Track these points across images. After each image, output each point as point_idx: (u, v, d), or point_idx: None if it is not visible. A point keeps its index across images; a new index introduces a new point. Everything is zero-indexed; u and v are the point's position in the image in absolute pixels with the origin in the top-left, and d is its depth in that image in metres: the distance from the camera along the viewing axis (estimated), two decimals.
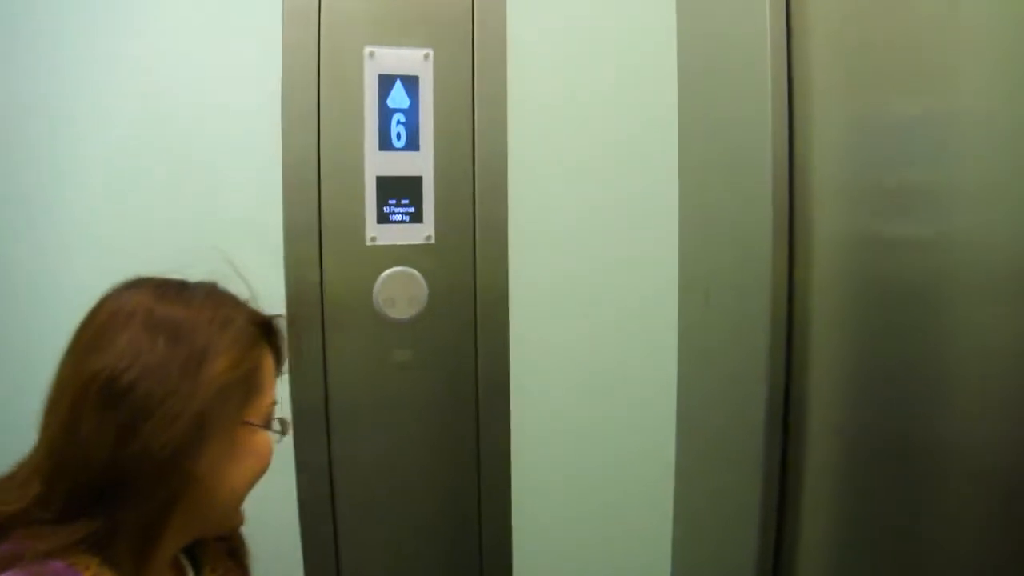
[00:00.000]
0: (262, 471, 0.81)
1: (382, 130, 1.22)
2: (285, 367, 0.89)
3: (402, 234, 1.25)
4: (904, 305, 1.13)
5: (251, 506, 0.83)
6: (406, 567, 1.35)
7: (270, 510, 1.28)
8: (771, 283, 1.21)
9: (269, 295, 1.21)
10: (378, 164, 1.23)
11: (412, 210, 1.25)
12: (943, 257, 1.09)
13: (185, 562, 0.84)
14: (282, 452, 1.23)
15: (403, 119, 1.23)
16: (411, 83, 1.24)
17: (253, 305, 0.84)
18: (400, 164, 1.24)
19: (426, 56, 1.24)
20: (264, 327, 0.83)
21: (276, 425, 0.85)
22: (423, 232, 1.26)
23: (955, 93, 1.07)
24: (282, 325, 0.86)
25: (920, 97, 1.12)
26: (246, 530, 0.90)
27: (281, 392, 1.20)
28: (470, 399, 1.33)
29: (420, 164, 1.25)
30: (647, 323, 1.41)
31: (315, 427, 1.24)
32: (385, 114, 1.23)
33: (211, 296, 0.79)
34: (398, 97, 1.23)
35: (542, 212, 1.35)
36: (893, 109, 1.15)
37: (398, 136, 1.23)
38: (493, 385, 1.34)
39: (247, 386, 0.78)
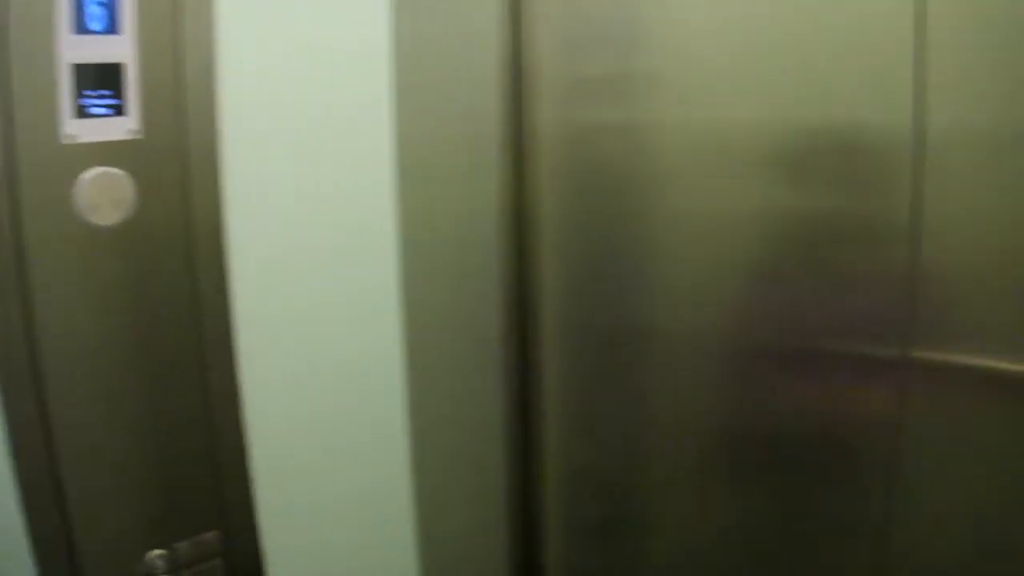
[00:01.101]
0: None
1: (76, 10, 1.13)
2: None
3: (104, 130, 1.18)
4: (624, 192, 1.31)
5: None
6: (139, 510, 1.34)
7: None
8: (499, 175, 1.34)
9: None
10: (73, 50, 1.14)
11: (115, 102, 1.19)
12: (655, 143, 1.28)
13: None
14: None
15: None
16: None
17: None
18: (99, 50, 1.16)
19: None
20: None
21: None
22: (127, 126, 1.21)
23: None
24: None
25: None
26: None
27: None
28: (187, 307, 1.32)
29: (122, 50, 1.18)
30: (367, 216, 1.48)
31: (20, 368, 1.18)
32: None
33: None
34: None
35: (255, 101, 1.34)
36: None
37: (95, 17, 1.15)
38: (212, 289, 1.34)
39: None
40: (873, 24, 1.19)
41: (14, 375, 1.17)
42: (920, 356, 1.22)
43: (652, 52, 1.27)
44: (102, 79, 1.18)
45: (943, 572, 1.29)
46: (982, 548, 1.27)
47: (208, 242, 1.32)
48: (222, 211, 1.33)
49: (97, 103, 1.19)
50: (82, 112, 1.18)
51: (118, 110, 1.20)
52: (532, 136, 1.33)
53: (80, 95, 1.17)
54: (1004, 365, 1.20)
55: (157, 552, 1.35)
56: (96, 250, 1.23)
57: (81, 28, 1.16)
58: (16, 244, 1.16)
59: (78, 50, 1.16)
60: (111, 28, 1.18)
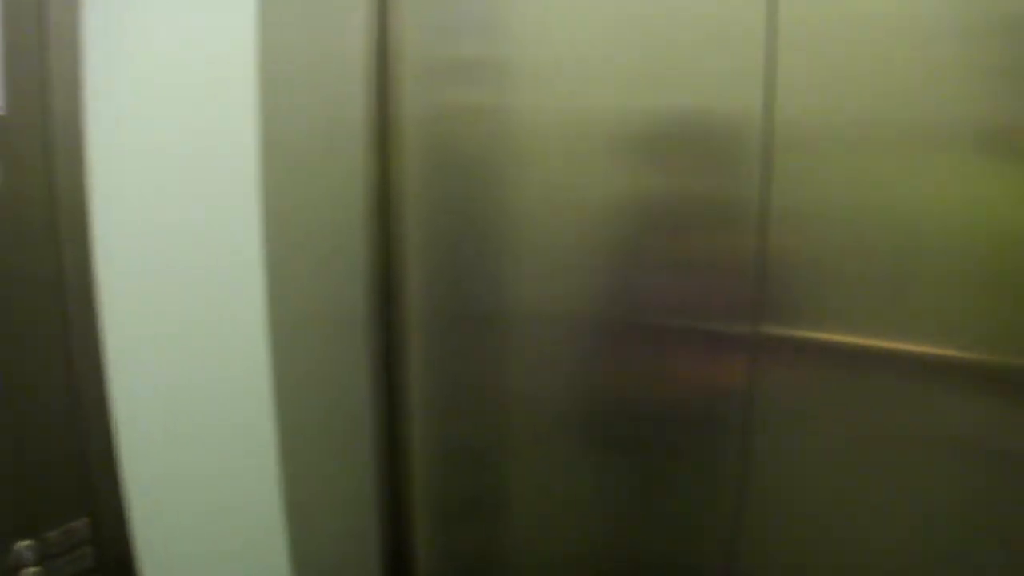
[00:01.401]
0: None
1: None
2: None
3: None
4: (487, 175, 1.36)
5: None
6: (4, 501, 1.32)
7: None
8: (364, 160, 1.37)
9: None
10: None
11: None
12: (519, 127, 1.33)
13: None
14: None
15: None
16: None
17: None
18: None
19: None
20: None
21: None
22: None
23: None
24: None
25: None
26: None
27: None
28: (52, 291, 1.31)
29: None
30: (231, 202, 1.46)
31: None
32: None
33: None
34: None
35: (120, 82, 1.33)
36: None
37: None
38: (77, 272, 1.33)
39: None
40: (726, 14, 1.26)
41: None
42: (768, 332, 1.30)
43: (515, 38, 1.32)
44: None
45: (795, 537, 1.38)
46: (832, 514, 1.37)
47: (73, 222, 1.31)
48: (87, 191, 1.32)
49: None
50: None
51: None
52: (397, 121, 1.36)
53: None
54: (848, 339, 1.30)
55: (25, 543, 1.33)
56: None
57: None
58: None
59: None
60: None
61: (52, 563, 1.37)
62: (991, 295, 1.25)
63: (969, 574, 1.32)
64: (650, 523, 1.44)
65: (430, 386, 1.45)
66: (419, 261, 1.40)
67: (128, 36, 1.34)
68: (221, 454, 1.48)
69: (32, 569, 1.35)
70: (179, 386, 1.46)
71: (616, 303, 1.36)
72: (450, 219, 1.39)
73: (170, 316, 1.43)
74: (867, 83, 1.24)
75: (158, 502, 1.48)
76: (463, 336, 1.42)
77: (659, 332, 1.36)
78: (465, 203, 1.37)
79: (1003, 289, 1.24)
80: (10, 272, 1.27)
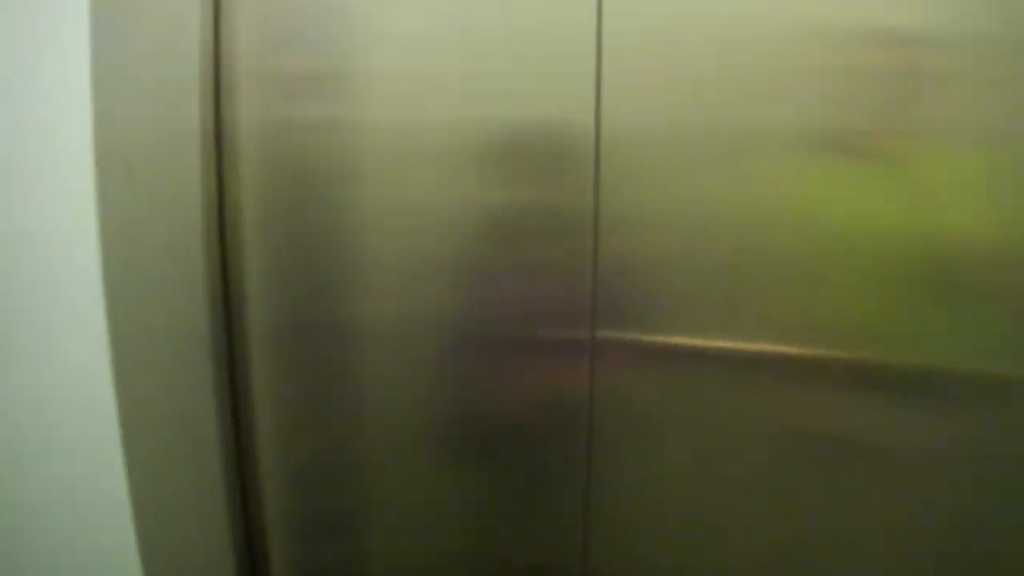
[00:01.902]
0: None
1: None
2: None
3: None
4: (326, 188, 1.37)
5: None
6: None
7: None
8: (201, 174, 1.36)
9: None
10: None
11: None
12: (355, 139, 1.34)
13: None
14: None
15: None
16: None
17: None
18: None
19: None
20: None
21: None
22: None
23: None
24: None
25: None
26: None
27: None
28: None
29: None
30: (67, 219, 1.42)
31: None
32: None
33: None
34: None
35: None
36: None
37: None
38: None
39: None
40: (557, 25, 1.29)
41: None
42: (606, 336, 1.34)
43: (352, 50, 1.33)
44: None
45: (643, 534, 1.42)
46: (677, 512, 1.41)
47: None
48: None
49: None
50: None
51: None
52: (233, 134, 1.36)
53: None
54: (684, 340, 1.34)
55: None
56: None
57: None
58: None
59: None
60: None
61: None
62: (820, 293, 1.30)
63: (815, 565, 1.38)
64: (503, 529, 1.46)
65: (277, 399, 1.45)
66: (260, 274, 1.40)
67: None
68: (65, 478, 1.45)
69: None
70: (19, 409, 1.42)
71: (458, 313, 1.38)
72: (290, 232, 1.39)
73: (6, 336, 1.40)
74: (693, 89, 1.28)
75: (2, 530, 1.44)
76: (307, 349, 1.42)
77: (501, 340, 1.38)
78: (304, 215, 1.38)
79: (832, 287, 1.30)
80: None
